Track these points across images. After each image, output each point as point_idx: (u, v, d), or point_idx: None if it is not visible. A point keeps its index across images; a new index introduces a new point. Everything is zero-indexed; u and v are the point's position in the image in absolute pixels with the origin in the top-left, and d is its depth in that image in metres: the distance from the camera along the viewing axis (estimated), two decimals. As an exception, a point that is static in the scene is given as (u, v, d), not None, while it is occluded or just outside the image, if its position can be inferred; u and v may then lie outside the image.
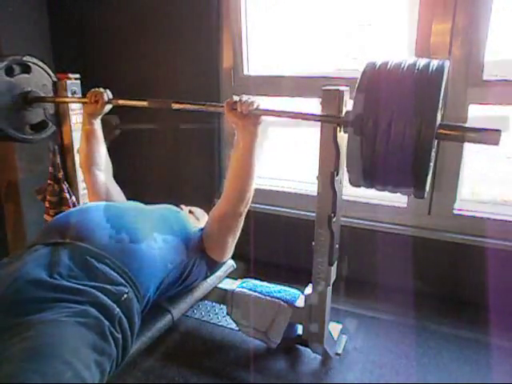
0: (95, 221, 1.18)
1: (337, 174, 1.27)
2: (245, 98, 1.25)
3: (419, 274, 1.89)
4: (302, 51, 2.08)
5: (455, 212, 1.84)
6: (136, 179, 2.48)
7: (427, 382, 1.42)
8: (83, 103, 1.59)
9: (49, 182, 1.85)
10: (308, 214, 1.98)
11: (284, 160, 2.40)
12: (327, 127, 1.24)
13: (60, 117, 1.82)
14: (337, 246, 1.36)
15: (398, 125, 0.92)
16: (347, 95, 1.21)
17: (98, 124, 1.57)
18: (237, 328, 1.61)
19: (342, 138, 1.25)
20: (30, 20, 2.26)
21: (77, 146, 1.83)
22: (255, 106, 1.23)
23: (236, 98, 1.26)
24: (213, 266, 1.40)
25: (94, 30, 2.36)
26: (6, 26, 2.10)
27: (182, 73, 2.20)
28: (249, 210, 1.38)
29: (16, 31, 2.16)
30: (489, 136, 0.92)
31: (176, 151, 2.36)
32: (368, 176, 1.03)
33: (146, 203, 1.45)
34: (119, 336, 0.97)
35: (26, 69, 1.67)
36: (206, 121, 2.18)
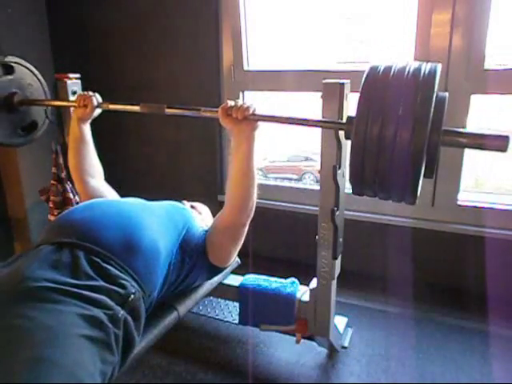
0: (99, 219, 1.17)
1: (339, 168, 1.26)
2: (240, 102, 1.21)
3: (424, 266, 1.89)
4: (303, 45, 2.07)
5: (459, 203, 1.84)
6: (138, 176, 2.49)
7: (427, 382, 1.41)
8: (71, 107, 1.54)
9: (52, 182, 1.86)
10: (308, 207, 1.97)
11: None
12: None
13: (61, 116, 1.81)
14: (341, 239, 1.36)
15: (389, 129, 0.87)
16: (348, 88, 1.21)
17: (87, 129, 1.52)
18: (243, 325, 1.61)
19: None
20: (28, 20, 2.26)
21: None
22: (251, 111, 1.19)
23: (231, 102, 1.22)
24: (214, 269, 1.39)
25: (93, 29, 2.36)
26: (5, 26, 2.10)
27: (182, 69, 2.20)
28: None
29: (15, 31, 2.16)
30: (494, 142, 0.84)
31: (178, 147, 2.36)
32: (358, 182, 0.99)
33: (149, 200, 1.45)
34: (122, 336, 0.97)
35: (9, 69, 1.59)
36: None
